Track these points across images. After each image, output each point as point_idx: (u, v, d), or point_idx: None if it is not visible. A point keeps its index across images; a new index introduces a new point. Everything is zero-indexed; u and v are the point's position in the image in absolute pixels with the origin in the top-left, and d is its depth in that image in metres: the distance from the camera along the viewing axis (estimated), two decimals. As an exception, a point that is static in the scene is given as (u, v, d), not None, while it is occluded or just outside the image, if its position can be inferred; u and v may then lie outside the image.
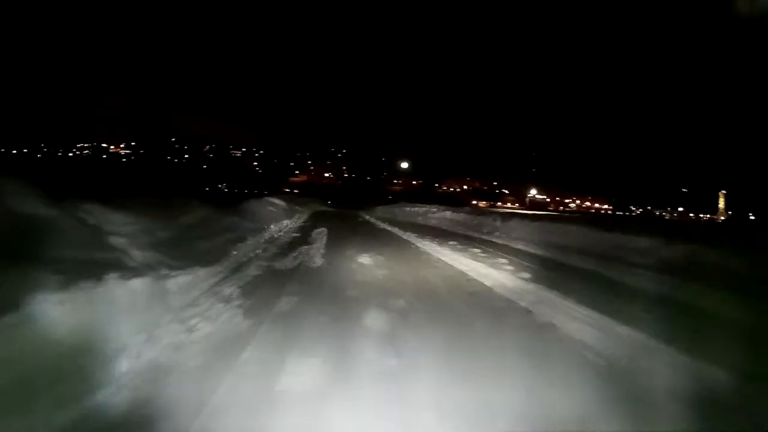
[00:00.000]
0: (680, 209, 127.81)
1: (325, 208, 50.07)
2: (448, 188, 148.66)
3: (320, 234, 17.31)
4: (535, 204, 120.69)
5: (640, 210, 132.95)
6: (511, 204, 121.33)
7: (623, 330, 5.87)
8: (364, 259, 11.20)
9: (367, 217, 35.81)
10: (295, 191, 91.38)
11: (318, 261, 10.66)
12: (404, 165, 65.11)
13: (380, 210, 45.63)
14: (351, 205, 60.21)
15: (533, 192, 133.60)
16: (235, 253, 10.12)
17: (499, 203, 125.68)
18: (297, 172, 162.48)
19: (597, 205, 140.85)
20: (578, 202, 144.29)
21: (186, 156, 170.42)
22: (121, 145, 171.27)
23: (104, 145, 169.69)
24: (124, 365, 4.27)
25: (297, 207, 33.55)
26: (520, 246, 15.70)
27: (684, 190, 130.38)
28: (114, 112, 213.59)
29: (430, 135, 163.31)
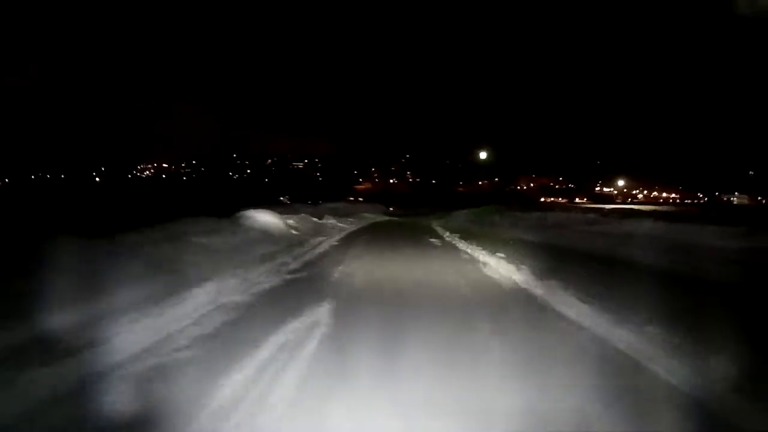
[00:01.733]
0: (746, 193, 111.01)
1: (385, 218, 38.43)
2: (516, 187, 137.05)
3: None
4: (602, 197, 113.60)
5: (706, 198, 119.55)
6: (580, 199, 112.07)
7: None
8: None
9: (445, 233, 21.09)
10: (360, 199, 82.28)
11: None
12: (483, 155, 50.75)
13: (460, 218, 33.67)
14: (418, 211, 49.06)
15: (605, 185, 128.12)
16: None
17: (567, 199, 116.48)
18: (361, 180, 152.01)
19: (665, 194, 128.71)
20: (645, 192, 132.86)
21: (248, 171, 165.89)
22: (182, 164, 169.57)
23: (165, 165, 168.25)
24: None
25: (343, 221, 25.02)
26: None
27: (751, 172, 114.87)
28: (174, 133, 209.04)
29: (496, 135, 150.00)
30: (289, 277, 9.22)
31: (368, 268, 10.32)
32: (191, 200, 49.30)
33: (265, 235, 12.96)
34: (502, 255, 10.92)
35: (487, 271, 10.14)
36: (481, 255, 12.21)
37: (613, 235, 14.75)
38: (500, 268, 10.08)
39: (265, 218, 14.37)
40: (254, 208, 15.44)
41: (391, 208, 56.02)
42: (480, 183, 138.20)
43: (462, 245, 15.45)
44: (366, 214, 35.81)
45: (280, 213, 18.69)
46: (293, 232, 15.57)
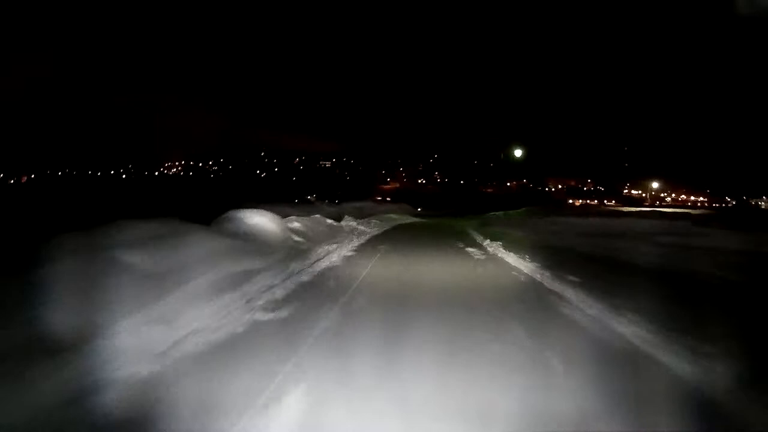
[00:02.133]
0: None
1: (412, 220, 34.14)
2: (545, 188, 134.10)
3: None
4: (631, 200, 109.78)
5: (734, 201, 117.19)
6: (608, 201, 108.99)
7: None
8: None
9: (484, 241, 17.11)
10: (387, 198, 79.07)
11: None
12: (518, 153, 46.15)
13: (494, 221, 30.52)
14: (447, 212, 45.51)
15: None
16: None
17: (596, 200, 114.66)
18: (388, 179, 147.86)
19: (693, 197, 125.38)
20: (673, 195, 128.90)
21: (276, 169, 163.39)
22: (210, 162, 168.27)
23: (192, 162, 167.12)
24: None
25: (364, 223, 22.82)
26: None
27: None
28: (203, 130, 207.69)
29: (524, 136, 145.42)
30: (250, 319, 5.71)
31: (390, 303, 6.78)
32: (205, 197, 47.05)
33: (253, 243, 9.45)
34: (577, 279, 7.29)
35: (578, 316, 6.19)
36: (550, 280, 8.58)
37: (725, 252, 10.77)
38: (606, 317, 6.02)
39: (255, 220, 10.72)
40: (254, 206, 12.01)
41: (418, 209, 52.50)
42: (508, 184, 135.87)
43: (513, 260, 11.75)
44: (392, 215, 32.36)
45: (292, 214, 15.42)
46: (296, 238, 12.02)
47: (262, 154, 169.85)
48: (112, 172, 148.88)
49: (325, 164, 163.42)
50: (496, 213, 36.63)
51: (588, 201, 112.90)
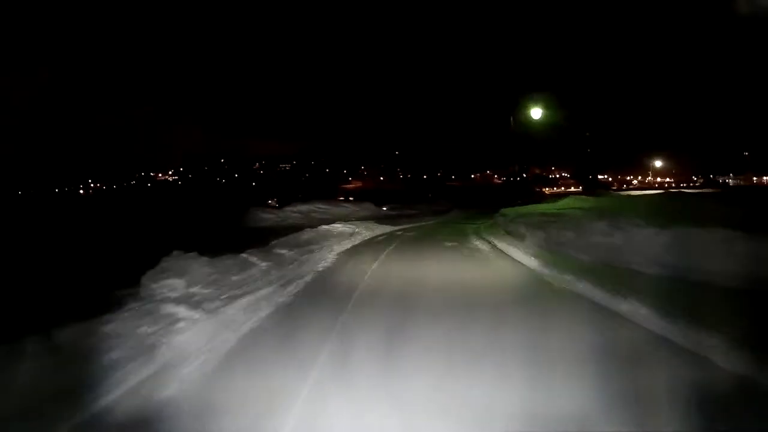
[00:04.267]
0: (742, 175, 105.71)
1: (378, 232, 23.87)
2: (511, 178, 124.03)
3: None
4: (597, 185, 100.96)
5: (702, 179, 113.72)
6: (575, 187, 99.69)
7: None
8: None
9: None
10: (350, 198, 71.49)
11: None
12: (536, 113, 34.41)
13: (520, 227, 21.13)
14: (418, 212, 38.49)
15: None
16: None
17: (563, 188, 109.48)
18: (350, 178, 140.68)
19: (659, 179, 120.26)
20: (639, 177, 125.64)
21: (236, 175, 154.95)
22: (170, 172, 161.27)
23: (152, 174, 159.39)
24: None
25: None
26: None
27: (745, 153, 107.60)
28: (161, 142, 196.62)
29: (477, 128, 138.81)
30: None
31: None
32: (150, 221, 39.15)
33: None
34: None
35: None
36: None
37: None
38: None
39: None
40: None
41: (384, 208, 44.95)
42: (472, 176, 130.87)
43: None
44: (341, 229, 20.07)
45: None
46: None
47: (222, 160, 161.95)
48: (74, 187, 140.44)
49: (285, 167, 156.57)
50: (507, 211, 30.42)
51: (555, 189, 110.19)
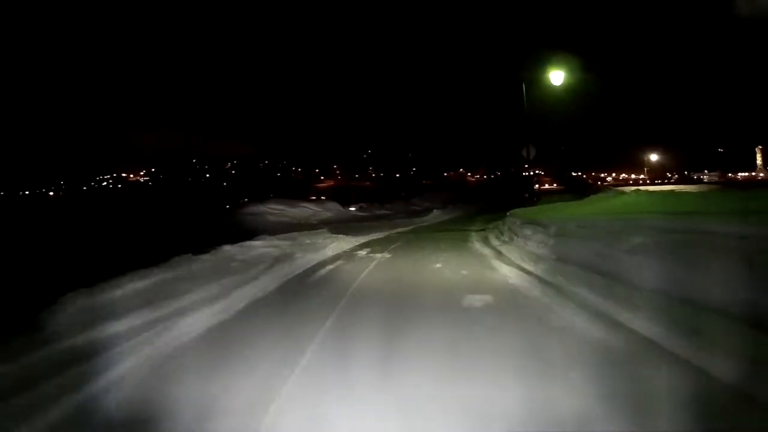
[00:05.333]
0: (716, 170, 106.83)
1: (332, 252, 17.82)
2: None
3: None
4: (572, 182, 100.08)
5: (676, 175, 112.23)
6: (549, 185, 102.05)
7: None
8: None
9: None
10: (322, 198, 63.68)
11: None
12: (558, 77, 25.47)
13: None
14: (390, 211, 30.44)
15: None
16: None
17: (537, 186, 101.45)
18: (322, 177, 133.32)
19: (633, 175, 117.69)
20: (613, 174, 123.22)
21: (207, 175, 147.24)
22: (141, 172, 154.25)
23: (123, 174, 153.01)
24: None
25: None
26: None
27: (720, 150, 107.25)
28: (133, 142, 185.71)
29: (471, 123, 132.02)
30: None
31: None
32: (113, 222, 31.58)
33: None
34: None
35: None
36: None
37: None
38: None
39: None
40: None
41: (351, 208, 37.02)
42: (446, 174, 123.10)
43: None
44: (261, 251, 14.24)
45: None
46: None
47: (194, 160, 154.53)
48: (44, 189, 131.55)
49: (259, 166, 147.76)
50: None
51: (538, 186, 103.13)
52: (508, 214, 15.58)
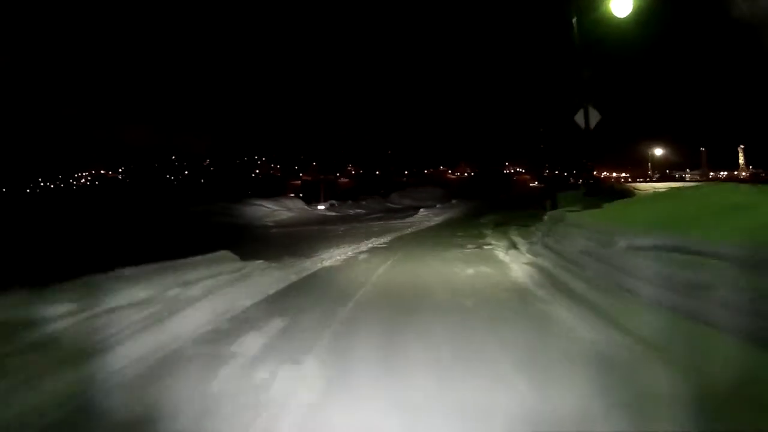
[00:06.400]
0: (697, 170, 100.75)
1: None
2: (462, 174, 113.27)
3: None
4: (553, 178, 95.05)
5: (658, 174, 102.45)
6: (530, 183, 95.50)
7: None
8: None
9: None
10: (300, 195, 56.70)
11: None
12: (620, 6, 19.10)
13: None
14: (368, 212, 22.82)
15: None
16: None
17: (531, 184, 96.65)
18: (301, 174, 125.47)
19: (615, 174, 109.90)
20: (594, 173, 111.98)
21: (186, 172, 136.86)
22: (120, 169, 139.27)
23: (102, 171, 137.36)
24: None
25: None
26: None
27: (702, 149, 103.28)
28: (112, 138, 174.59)
29: (442, 128, 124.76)
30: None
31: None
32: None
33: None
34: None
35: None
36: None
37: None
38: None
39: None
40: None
41: (320, 207, 29.45)
42: (426, 171, 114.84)
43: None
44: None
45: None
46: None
47: (173, 157, 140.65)
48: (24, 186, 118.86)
49: (236, 162, 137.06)
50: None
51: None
52: (572, 222, 8.15)
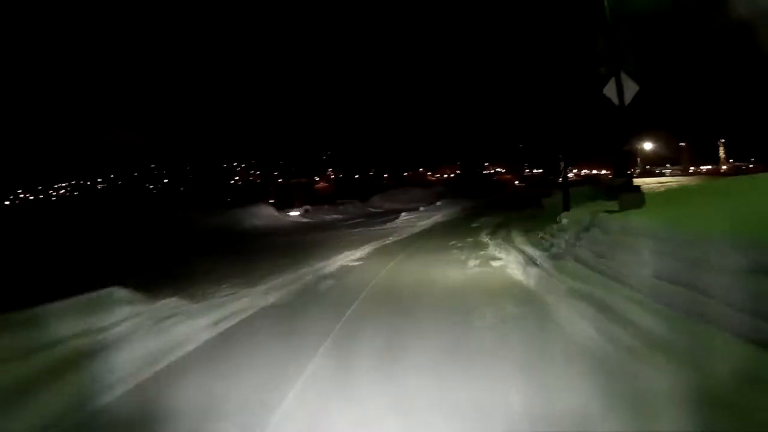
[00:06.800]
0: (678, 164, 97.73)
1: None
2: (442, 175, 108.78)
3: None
4: (531, 178, 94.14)
5: (638, 170, 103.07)
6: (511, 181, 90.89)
7: None
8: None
9: None
10: (271, 201, 53.33)
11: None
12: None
13: None
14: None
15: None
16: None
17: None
18: (280, 180, 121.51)
19: (595, 171, 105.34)
20: (575, 170, 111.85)
21: (165, 180, 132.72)
22: (99, 179, 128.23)
23: (82, 181, 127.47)
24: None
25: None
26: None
27: (681, 144, 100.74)
28: (93, 147, 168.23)
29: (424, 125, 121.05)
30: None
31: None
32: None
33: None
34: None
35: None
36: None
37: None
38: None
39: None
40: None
41: (293, 213, 26.38)
42: (405, 174, 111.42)
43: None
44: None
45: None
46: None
47: (152, 165, 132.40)
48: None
49: (218, 168, 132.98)
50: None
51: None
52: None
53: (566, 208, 10.91)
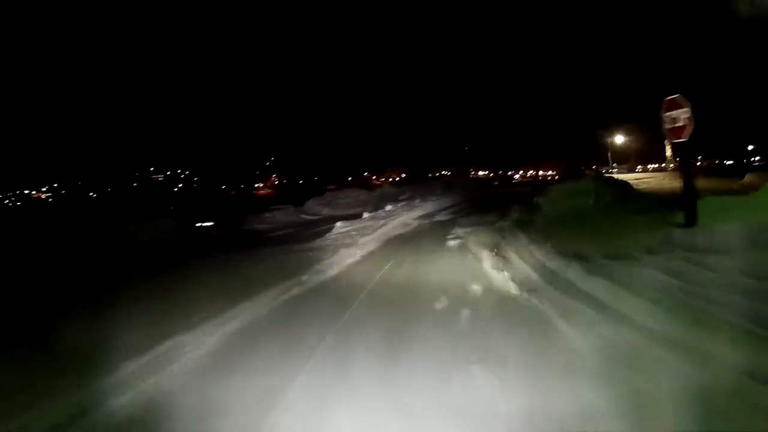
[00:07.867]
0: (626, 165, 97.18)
1: None
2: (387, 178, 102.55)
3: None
4: (478, 180, 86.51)
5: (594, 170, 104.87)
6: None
7: None
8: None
9: None
10: (172, 208, 47.83)
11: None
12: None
13: None
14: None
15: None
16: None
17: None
18: (224, 186, 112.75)
19: (542, 172, 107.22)
20: (521, 171, 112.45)
21: (108, 189, 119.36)
22: (43, 189, 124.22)
23: (26, 191, 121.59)
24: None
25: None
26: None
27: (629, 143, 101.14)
28: (37, 156, 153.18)
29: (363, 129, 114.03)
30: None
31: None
32: None
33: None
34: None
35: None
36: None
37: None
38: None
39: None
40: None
41: (204, 225, 19.36)
42: (349, 179, 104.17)
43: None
44: None
45: None
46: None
47: (97, 175, 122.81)
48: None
49: (158, 178, 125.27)
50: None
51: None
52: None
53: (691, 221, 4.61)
